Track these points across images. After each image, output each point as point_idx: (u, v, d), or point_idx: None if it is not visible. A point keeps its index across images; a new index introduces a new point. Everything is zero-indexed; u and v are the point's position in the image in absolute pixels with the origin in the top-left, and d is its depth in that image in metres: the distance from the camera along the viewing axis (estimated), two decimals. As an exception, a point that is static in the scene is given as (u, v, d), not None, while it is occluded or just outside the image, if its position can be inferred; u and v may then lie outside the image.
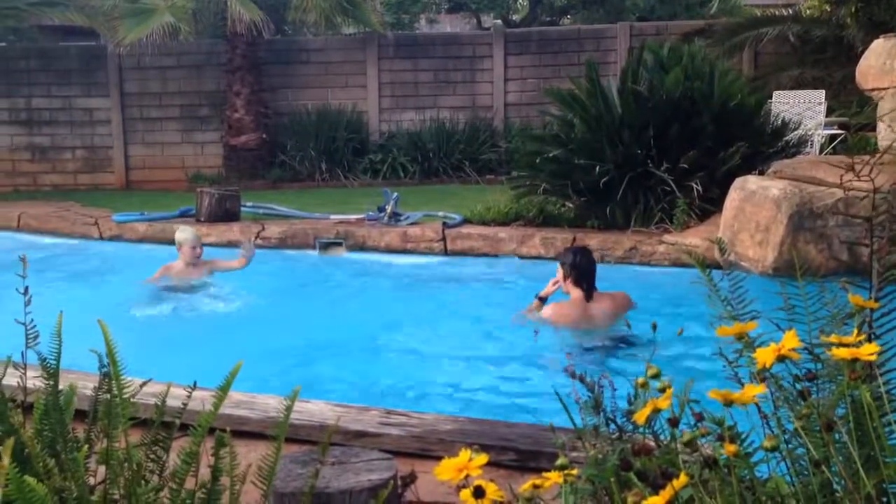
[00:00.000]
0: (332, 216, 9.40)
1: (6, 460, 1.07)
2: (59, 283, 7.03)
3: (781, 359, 1.38)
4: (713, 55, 10.24)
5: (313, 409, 3.08)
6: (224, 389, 1.50)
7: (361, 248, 8.46)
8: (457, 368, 4.91)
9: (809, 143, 10.13)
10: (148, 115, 13.64)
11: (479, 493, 1.22)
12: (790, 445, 1.52)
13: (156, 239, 9.01)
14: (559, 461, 1.47)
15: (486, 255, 8.07)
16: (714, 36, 11.97)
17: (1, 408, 1.55)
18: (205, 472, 1.60)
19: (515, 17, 19.35)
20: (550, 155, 8.46)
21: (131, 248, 8.85)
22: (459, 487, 1.32)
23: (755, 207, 6.80)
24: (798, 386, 1.53)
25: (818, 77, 11.39)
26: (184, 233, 6.96)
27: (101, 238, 9.42)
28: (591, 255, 5.44)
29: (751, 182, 7.03)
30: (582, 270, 5.21)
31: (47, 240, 9.46)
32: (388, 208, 8.92)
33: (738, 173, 7.51)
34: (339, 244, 8.55)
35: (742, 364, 1.69)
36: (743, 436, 1.51)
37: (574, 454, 1.72)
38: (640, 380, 1.56)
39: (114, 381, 1.45)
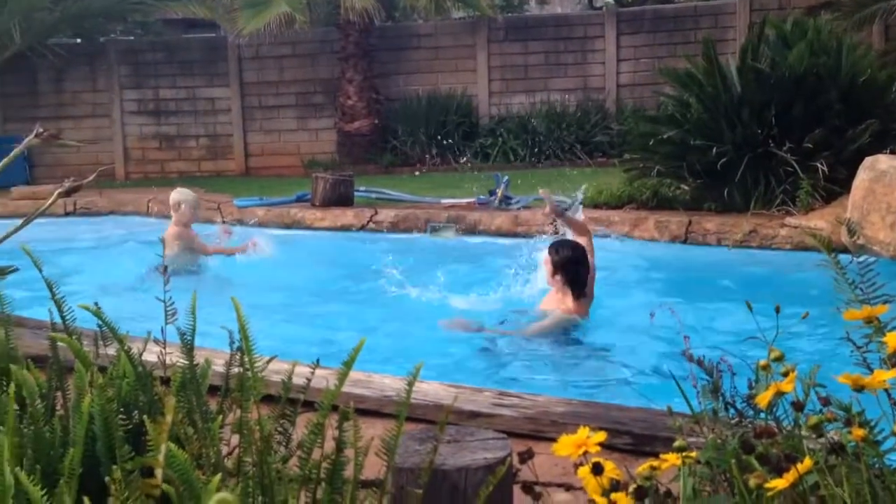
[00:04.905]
0: (443, 200, 9.49)
1: (169, 417, 1.17)
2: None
3: (915, 344, 1.33)
4: (840, 29, 9.73)
5: (427, 389, 3.15)
6: (348, 366, 1.56)
7: (473, 231, 8.52)
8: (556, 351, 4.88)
9: (947, 119, 9.51)
10: (266, 103, 14.10)
11: (597, 469, 1.23)
12: (923, 434, 1.46)
13: (273, 223, 9.35)
14: (677, 443, 1.46)
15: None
16: (841, 9, 11.33)
17: (144, 380, 1.67)
18: (328, 446, 1.67)
19: (628, -4, 18.88)
20: (665, 136, 8.27)
21: (250, 233, 9.19)
22: (577, 465, 1.33)
23: (886, 188, 6.47)
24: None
25: (956, 50, 10.67)
26: (183, 194, 6.73)
27: (224, 223, 9.81)
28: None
29: (882, 161, 6.69)
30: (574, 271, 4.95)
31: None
32: (499, 192, 8.94)
33: (867, 152, 7.16)
34: (451, 228, 8.64)
35: (871, 350, 1.64)
36: (872, 423, 1.46)
37: (691, 439, 1.70)
38: (762, 362, 1.53)
39: (246, 356, 1.54)
